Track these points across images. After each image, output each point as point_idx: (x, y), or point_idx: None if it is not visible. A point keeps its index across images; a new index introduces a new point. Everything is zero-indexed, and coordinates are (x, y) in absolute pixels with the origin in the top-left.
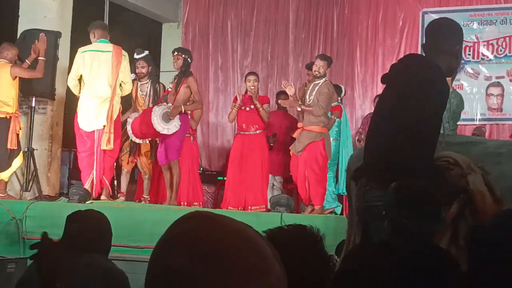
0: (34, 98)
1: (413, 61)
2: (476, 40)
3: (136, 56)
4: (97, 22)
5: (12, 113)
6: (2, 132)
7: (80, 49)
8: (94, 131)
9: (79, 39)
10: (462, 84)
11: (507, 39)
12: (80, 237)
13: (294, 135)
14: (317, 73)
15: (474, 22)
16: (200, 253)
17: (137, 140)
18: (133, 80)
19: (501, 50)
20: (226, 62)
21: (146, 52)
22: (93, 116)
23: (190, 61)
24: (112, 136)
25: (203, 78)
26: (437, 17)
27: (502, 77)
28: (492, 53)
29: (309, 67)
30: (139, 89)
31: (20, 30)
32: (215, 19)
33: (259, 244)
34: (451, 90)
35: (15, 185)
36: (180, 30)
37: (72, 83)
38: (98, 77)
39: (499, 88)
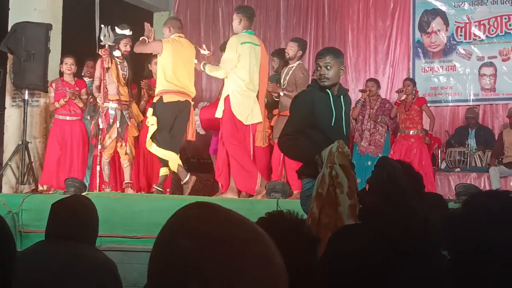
0: (27, 91)
1: None
2: (467, 21)
3: (124, 32)
4: (247, 10)
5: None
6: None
7: (237, 40)
8: (249, 125)
9: (70, 31)
10: (455, 65)
11: (498, 19)
12: (64, 225)
13: (272, 123)
14: (286, 54)
15: (465, 2)
16: (206, 238)
17: (202, 131)
18: (112, 58)
19: (492, 30)
20: (218, 49)
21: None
22: (251, 110)
23: None
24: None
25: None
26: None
27: (495, 57)
28: (484, 33)
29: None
30: (119, 67)
31: (11, 23)
32: (206, 7)
33: (262, 234)
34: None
35: (11, 179)
36: None
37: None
38: (254, 71)
39: (492, 68)
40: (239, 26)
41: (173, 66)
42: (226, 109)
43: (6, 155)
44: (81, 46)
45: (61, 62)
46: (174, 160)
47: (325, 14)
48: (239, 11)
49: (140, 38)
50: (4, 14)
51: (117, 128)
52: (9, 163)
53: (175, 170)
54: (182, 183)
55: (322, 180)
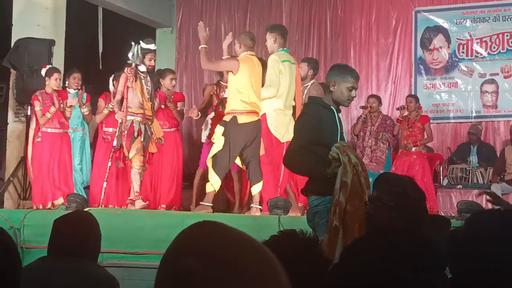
0: (29, 107)
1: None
2: (469, 38)
3: (149, 47)
4: (281, 28)
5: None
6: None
7: (278, 58)
8: (284, 143)
9: (73, 46)
10: (457, 82)
11: (500, 36)
12: (66, 241)
13: None
14: None
15: (467, 19)
16: (212, 257)
17: (204, 139)
18: (137, 73)
19: (494, 47)
20: None
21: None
22: (287, 127)
23: None
24: None
25: (198, 82)
26: None
27: (496, 74)
28: (486, 50)
29: None
30: (143, 82)
31: (14, 39)
32: (208, 23)
33: (268, 253)
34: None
35: (13, 194)
36: (174, 35)
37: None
38: (291, 89)
39: (494, 85)
40: (275, 45)
41: (248, 86)
42: (262, 126)
43: (9, 170)
44: (84, 62)
45: (51, 76)
46: (214, 186)
47: (327, 31)
48: (273, 30)
49: (200, 47)
50: (7, 30)
51: (142, 141)
52: (11, 179)
53: (207, 191)
54: (200, 202)
55: (344, 168)
